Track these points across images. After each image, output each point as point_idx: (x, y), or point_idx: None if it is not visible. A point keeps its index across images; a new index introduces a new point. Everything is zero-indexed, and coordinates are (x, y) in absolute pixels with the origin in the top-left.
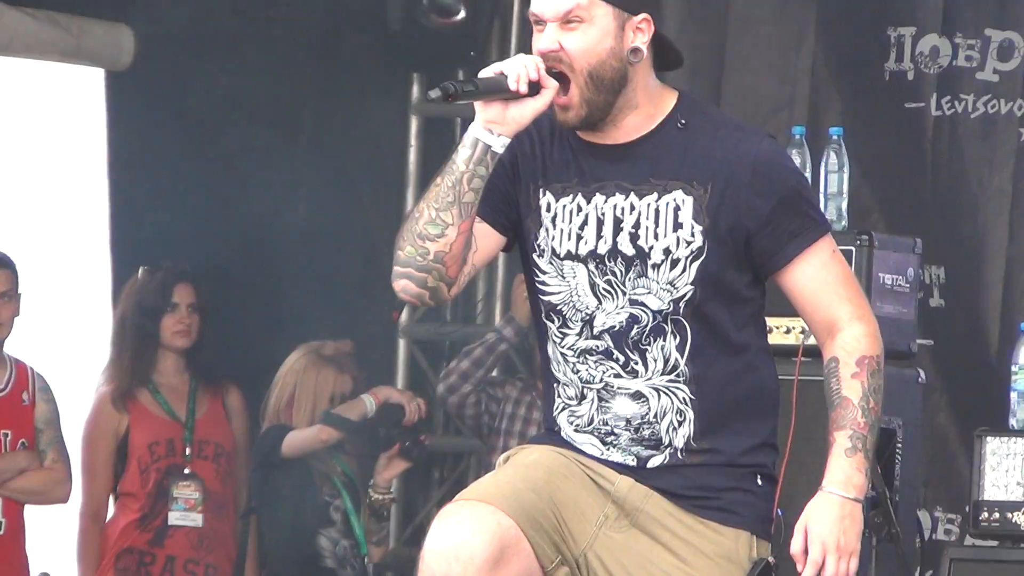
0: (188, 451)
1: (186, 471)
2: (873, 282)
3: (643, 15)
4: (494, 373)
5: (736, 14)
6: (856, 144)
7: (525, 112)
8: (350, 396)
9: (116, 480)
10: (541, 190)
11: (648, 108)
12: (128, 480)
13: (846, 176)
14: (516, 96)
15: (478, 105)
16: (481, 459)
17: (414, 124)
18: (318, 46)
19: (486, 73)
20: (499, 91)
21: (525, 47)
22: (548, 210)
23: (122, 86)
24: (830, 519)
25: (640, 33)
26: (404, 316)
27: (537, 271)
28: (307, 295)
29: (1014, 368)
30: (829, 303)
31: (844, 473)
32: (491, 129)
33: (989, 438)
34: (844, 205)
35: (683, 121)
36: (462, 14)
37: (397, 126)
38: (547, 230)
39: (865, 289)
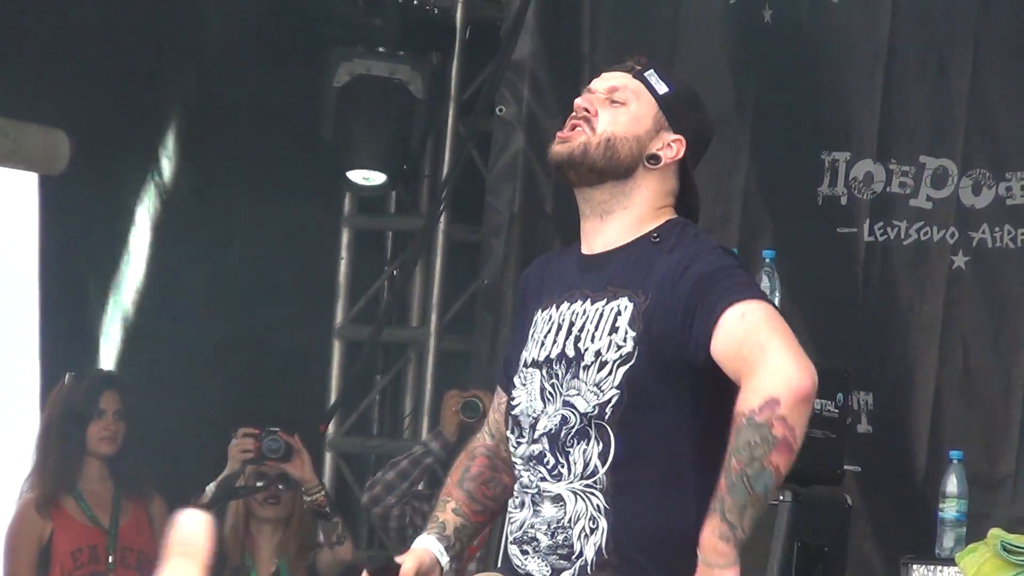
0: (111, 559)
1: None
2: None
3: (679, 136)
4: (420, 487)
5: None
6: (787, 267)
7: None
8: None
9: None
10: (538, 311)
11: (639, 220)
12: None
13: (777, 299)
14: None
15: None
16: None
17: (345, 236)
18: (251, 154)
19: None
20: None
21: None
22: (535, 325)
23: (55, 190)
24: None
25: (668, 148)
26: (331, 428)
27: (514, 389)
28: (235, 404)
29: (942, 497)
30: (739, 367)
31: (706, 541)
32: None
33: (915, 566)
34: None
35: (656, 237)
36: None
37: (328, 237)
38: (527, 346)
39: None
